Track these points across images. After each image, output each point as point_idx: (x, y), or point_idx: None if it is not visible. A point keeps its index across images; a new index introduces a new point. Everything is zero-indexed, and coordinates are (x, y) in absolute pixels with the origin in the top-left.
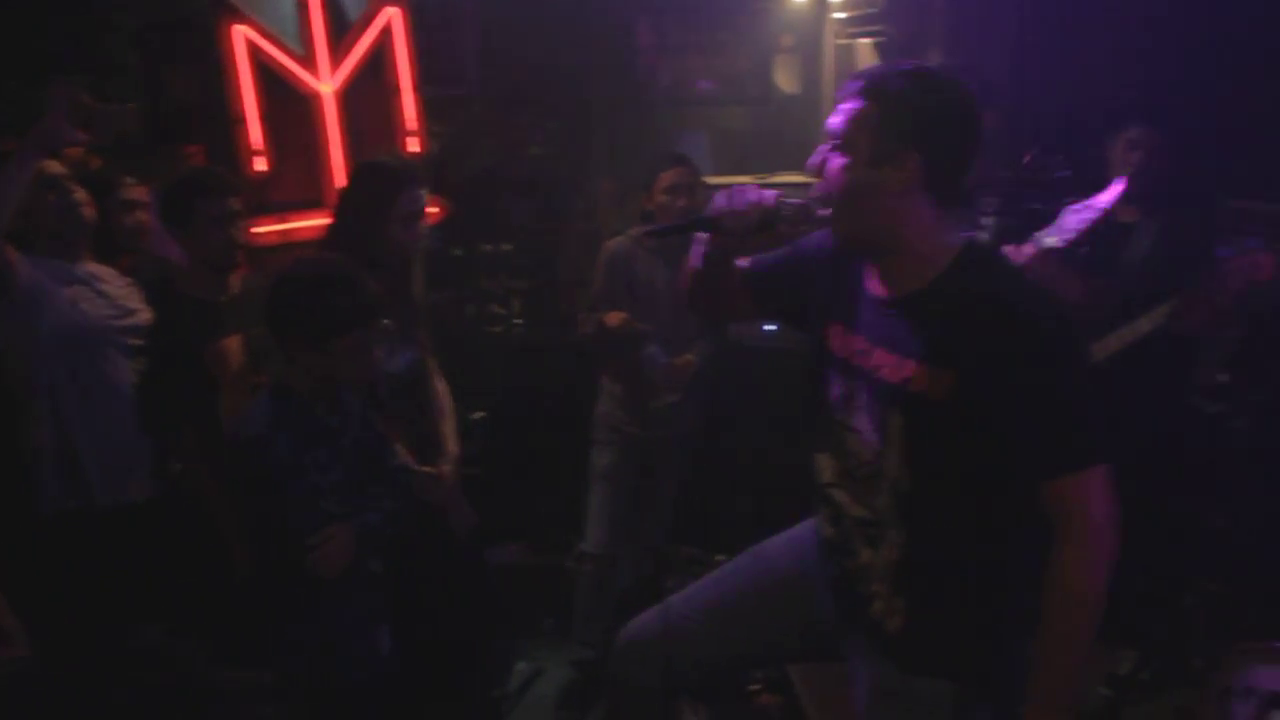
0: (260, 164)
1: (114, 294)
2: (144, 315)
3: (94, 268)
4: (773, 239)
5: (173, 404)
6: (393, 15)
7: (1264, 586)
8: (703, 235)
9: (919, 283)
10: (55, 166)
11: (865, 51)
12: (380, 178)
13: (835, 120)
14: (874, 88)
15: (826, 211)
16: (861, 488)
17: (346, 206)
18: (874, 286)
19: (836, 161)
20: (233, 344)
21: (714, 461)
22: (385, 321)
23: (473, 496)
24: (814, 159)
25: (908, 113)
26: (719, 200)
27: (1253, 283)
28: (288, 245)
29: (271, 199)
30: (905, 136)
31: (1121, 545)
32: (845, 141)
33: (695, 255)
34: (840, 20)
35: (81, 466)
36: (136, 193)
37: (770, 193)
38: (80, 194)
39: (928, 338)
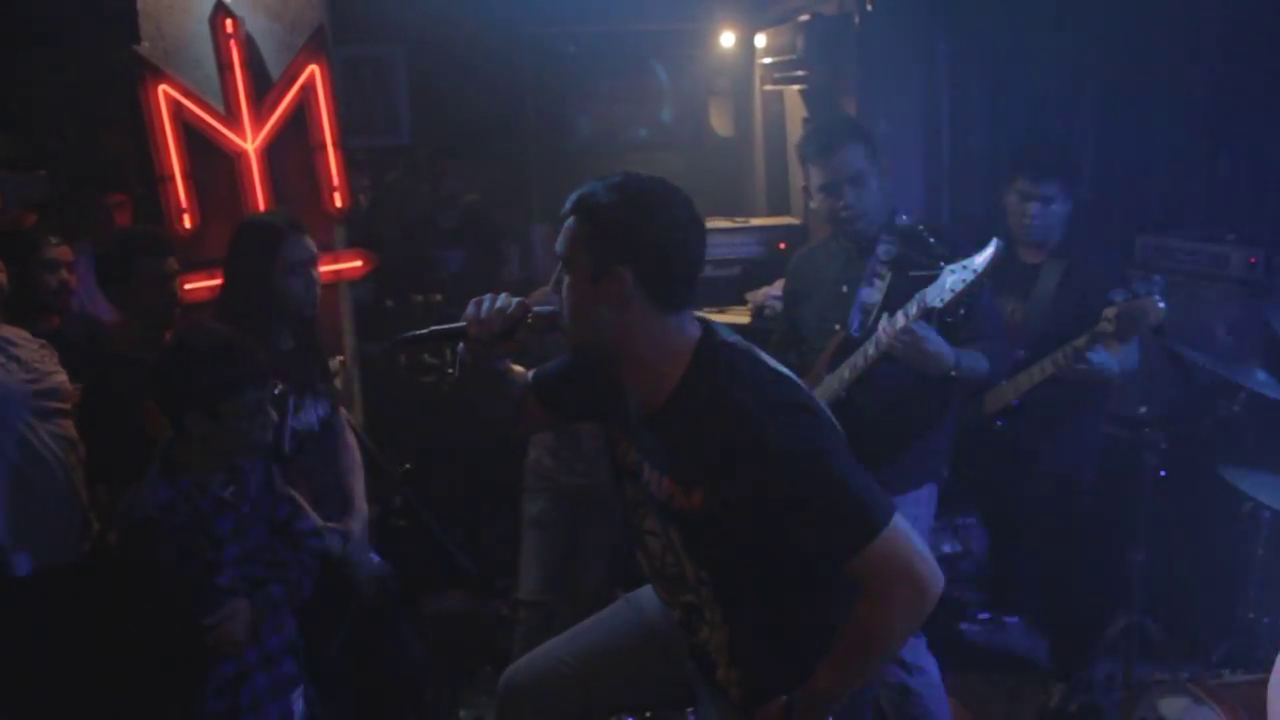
0: (186, 222)
1: (26, 358)
2: (60, 377)
3: (5, 331)
4: (516, 347)
5: (104, 463)
6: (313, 71)
7: (1175, 618)
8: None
9: (661, 396)
10: None
11: (793, 97)
12: (260, 232)
13: (559, 241)
14: (583, 205)
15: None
16: (673, 585)
17: (232, 266)
18: (634, 401)
19: (566, 280)
20: None
21: None
22: (279, 387)
23: (404, 546)
24: (554, 279)
25: (614, 227)
26: (469, 309)
27: (1143, 325)
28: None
29: (199, 255)
30: (615, 251)
31: (1052, 580)
32: (567, 260)
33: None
34: (765, 66)
35: None
36: (59, 252)
37: (516, 301)
38: None
39: (675, 456)
